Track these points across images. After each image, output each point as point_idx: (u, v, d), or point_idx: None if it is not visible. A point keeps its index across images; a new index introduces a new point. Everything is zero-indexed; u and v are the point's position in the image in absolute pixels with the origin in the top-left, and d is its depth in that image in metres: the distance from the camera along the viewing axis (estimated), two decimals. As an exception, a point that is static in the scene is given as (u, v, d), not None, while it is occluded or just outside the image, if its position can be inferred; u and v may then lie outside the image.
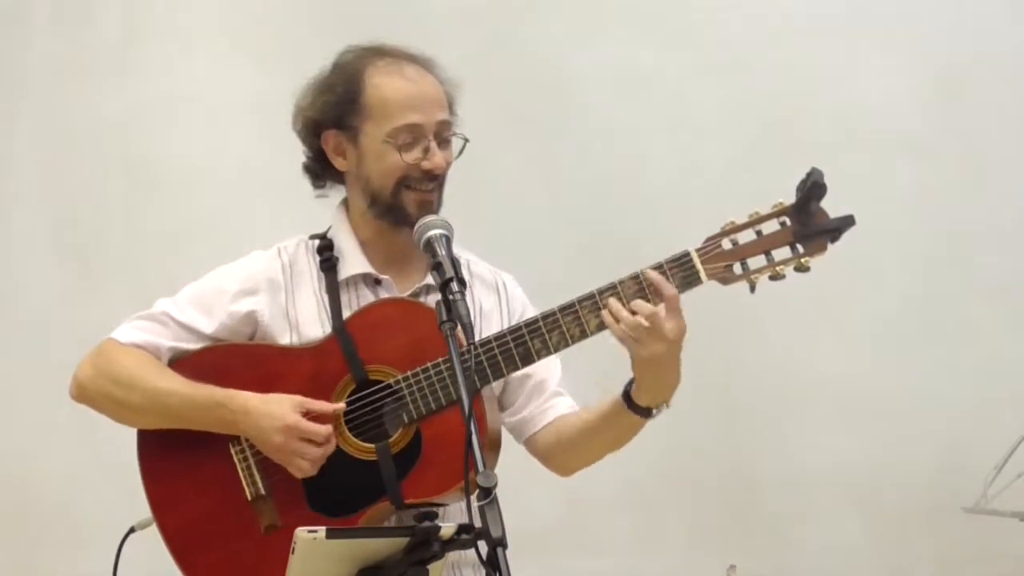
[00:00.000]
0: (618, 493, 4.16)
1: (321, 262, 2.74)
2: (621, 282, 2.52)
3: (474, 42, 4.30)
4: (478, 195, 4.11)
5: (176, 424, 2.67)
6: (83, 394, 2.75)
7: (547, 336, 2.54)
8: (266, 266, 2.76)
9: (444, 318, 2.30)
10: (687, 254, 2.53)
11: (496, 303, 2.78)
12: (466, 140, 2.73)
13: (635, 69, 4.45)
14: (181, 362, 2.71)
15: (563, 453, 2.74)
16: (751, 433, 4.39)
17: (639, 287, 2.52)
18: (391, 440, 2.59)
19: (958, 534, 4.19)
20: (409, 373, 2.58)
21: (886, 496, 4.33)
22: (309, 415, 2.59)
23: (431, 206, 2.67)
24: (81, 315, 4.38)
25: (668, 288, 2.49)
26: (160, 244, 4.46)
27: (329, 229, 2.80)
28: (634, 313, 2.48)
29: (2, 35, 4.57)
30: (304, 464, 2.58)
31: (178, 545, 2.68)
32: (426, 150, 2.67)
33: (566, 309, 2.54)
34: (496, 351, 2.56)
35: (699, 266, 2.52)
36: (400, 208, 2.68)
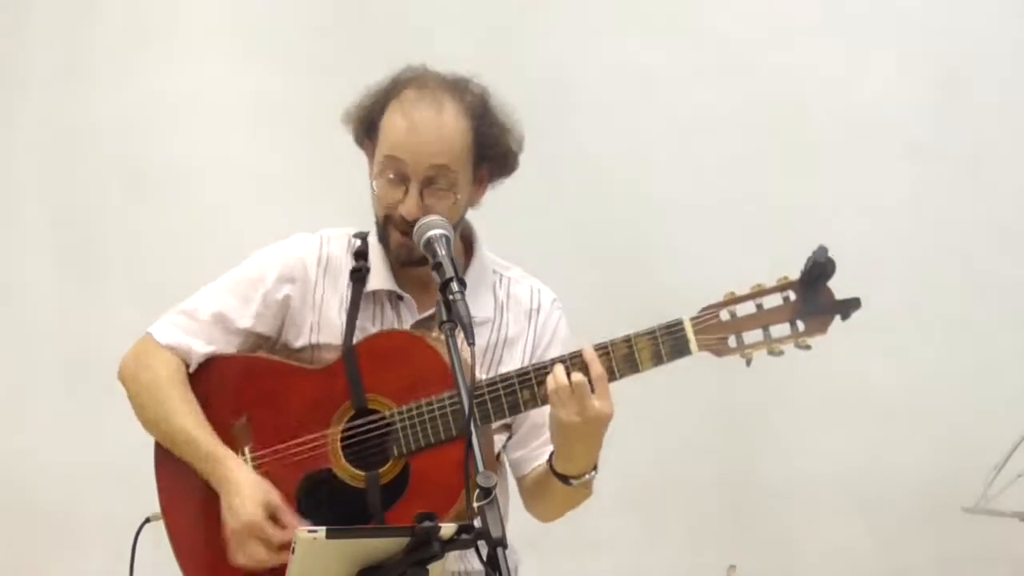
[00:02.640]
0: (618, 493, 4.15)
1: (352, 271, 2.74)
2: (613, 344, 2.53)
3: (474, 42, 4.30)
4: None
5: (173, 451, 2.71)
6: (123, 383, 2.80)
7: (536, 389, 2.55)
8: (305, 255, 2.77)
9: (444, 318, 2.31)
10: (679, 323, 2.52)
11: (524, 329, 2.77)
12: (456, 198, 2.65)
13: (635, 69, 4.45)
14: (202, 371, 2.75)
15: (534, 504, 2.78)
16: (751, 433, 4.39)
17: (628, 349, 2.52)
18: (381, 471, 2.60)
19: (958, 534, 4.19)
20: (404, 408, 2.59)
21: (886, 496, 4.33)
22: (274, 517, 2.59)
23: (412, 252, 2.63)
24: (81, 315, 4.39)
25: (595, 368, 2.49)
26: (160, 244, 4.46)
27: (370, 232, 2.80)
28: (570, 383, 2.49)
29: (2, 35, 4.57)
30: (244, 561, 2.59)
31: (180, 544, 2.72)
32: (406, 192, 2.64)
33: (557, 362, 2.54)
34: (487, 398, 2.56)
35: (691, 336, 2.51)
36: (386, 241, 2.70)
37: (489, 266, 2.78)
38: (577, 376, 2.48)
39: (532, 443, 2.75)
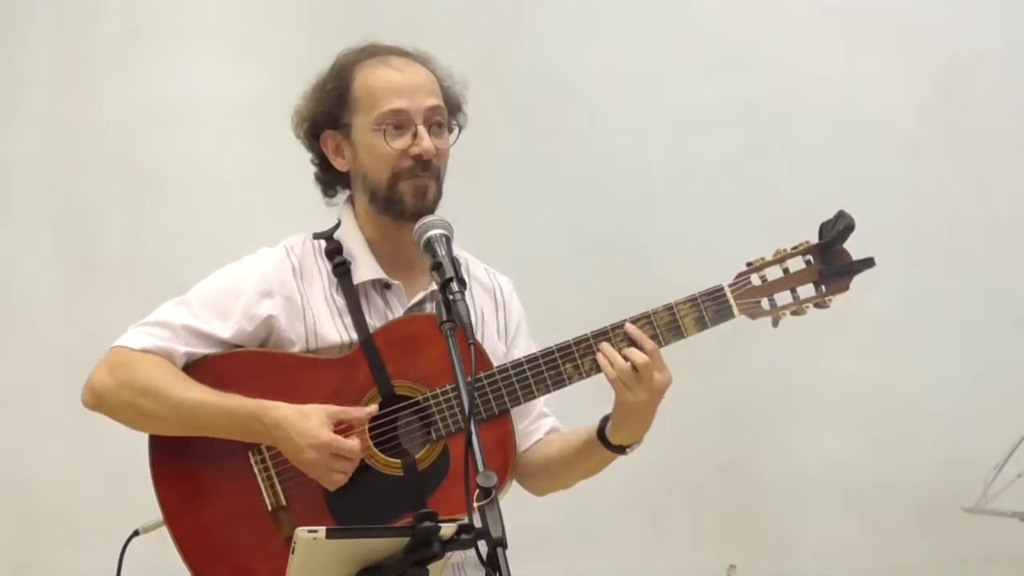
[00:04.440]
0: (620, 493, 4.16)
1: (333, 267, 2.72)
2: (655, 313, 2.59)
3: (474, 42, 4.31)
4: (478, 194, 4.12)
5: (201, 433, 2.63)
6: (100, 403, 2.68)
7: (579, 362, 2.60)
8: (278, 267, 2.73)
9: (444, 318, 2.30)
10: (720, 289, 2.61)
11: (493, 311, 2.79)
12: (460, 128, 2.75)
13: (635, 69, 4.46)
14: (198, 367, 2.67)
15: (539, 476, 2.79)
16: (751, 433, 4.39)
17: (671, 317, 2.59)
18: (418, 456, 2.60)
19: (958, 534, 4.19)
20: (438, 390, 2.59)
21: (886, 496, 4.33)
22: (342, 424, 2.58)
23: (427, 193, 2.67)
24: (81, 315, 4.39)
25: (648, 343, 2.57)
26: (160, 244, 4.45)
27: (335, 229, 2.79)
28: (627, 359, 2.55)
29: (2, 35, 4.57)
30: (339, 478, 2.58)
31: (193, 552, 2.64)
32: (415, 135, 2.67)
33: (599, 335, 2.59)
34: (527, 374, 2.59)
35: (732, 301, 2.60)
36: (398, 200, 2.68)
37: None
38: (638, 356, 2.55)
39: (524, 420, 2.77)
